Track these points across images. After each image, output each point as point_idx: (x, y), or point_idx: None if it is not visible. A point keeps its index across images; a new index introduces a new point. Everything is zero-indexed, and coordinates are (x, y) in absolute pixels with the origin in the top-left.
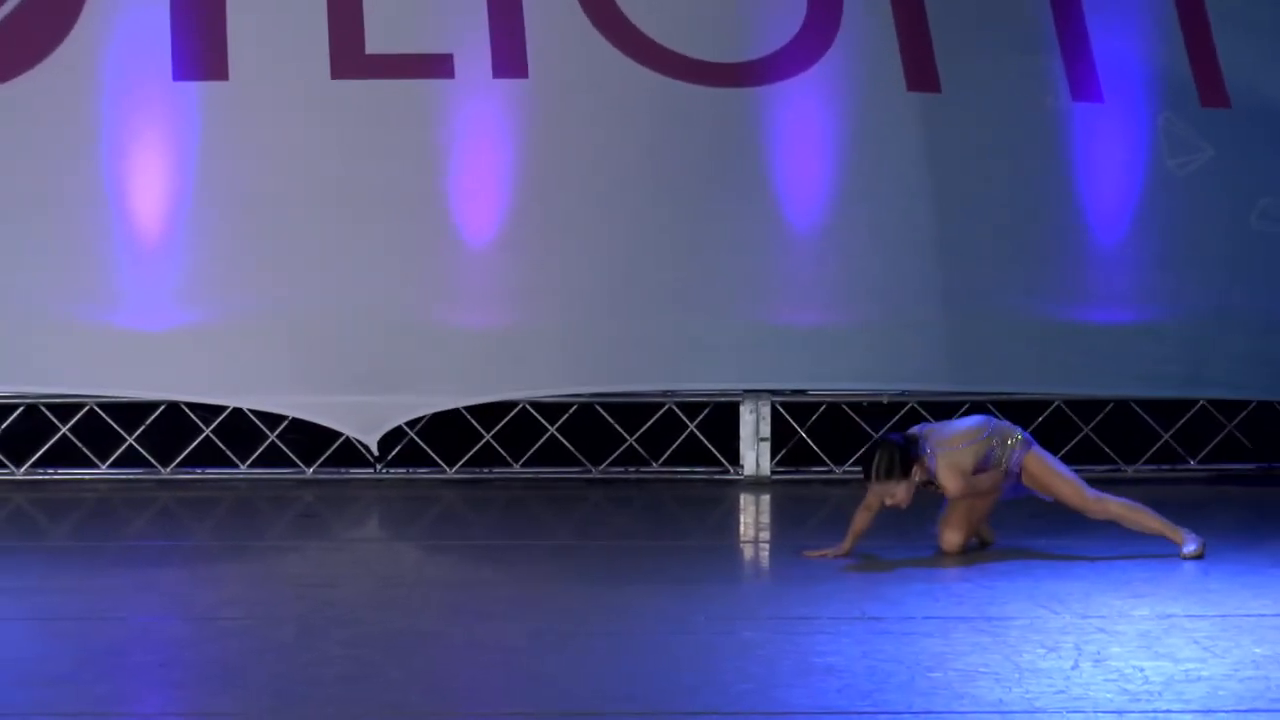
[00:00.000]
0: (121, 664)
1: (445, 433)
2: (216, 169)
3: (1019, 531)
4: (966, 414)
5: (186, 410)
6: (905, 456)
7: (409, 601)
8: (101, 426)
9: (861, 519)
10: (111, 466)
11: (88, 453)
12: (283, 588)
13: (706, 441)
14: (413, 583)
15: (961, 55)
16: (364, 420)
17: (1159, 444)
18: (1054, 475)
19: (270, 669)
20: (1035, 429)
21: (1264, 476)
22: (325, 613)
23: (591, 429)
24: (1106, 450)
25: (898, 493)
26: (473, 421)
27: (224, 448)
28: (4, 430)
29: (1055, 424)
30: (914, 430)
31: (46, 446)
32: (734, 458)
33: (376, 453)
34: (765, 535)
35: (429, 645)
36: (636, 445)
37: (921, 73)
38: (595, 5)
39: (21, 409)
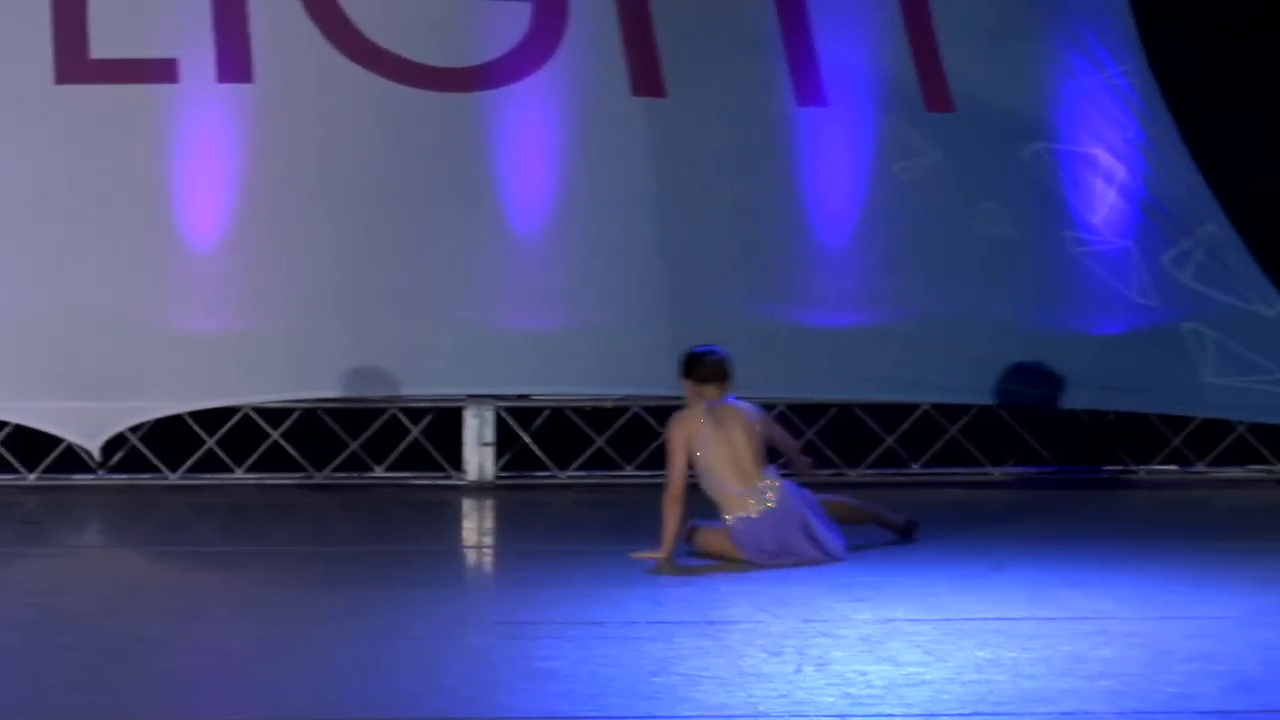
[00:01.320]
0: None
1: (168, 438)
2: None
3: None
4: None
5: None
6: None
7: (132, 608)
8: None
9: (670, 516)
10: None
11: None
12: (6, 595)
13: (430, 447)
14: (136, 589)
15: (687, 60)
16: (86, 425)
17: (882, 448)
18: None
19: None
20: None
21: (985, 481)
22: (50, 620)
23: (315, 434)
24: (829, 455)
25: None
26: (195, 427)
27: None
28: None
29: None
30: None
31: None
32: (458, 463)
33: (99, 458)
34: (489, 540)
35: (153, 652)
36: (360, 451)
37: (647, 77)
38: (320, 10)
39: None
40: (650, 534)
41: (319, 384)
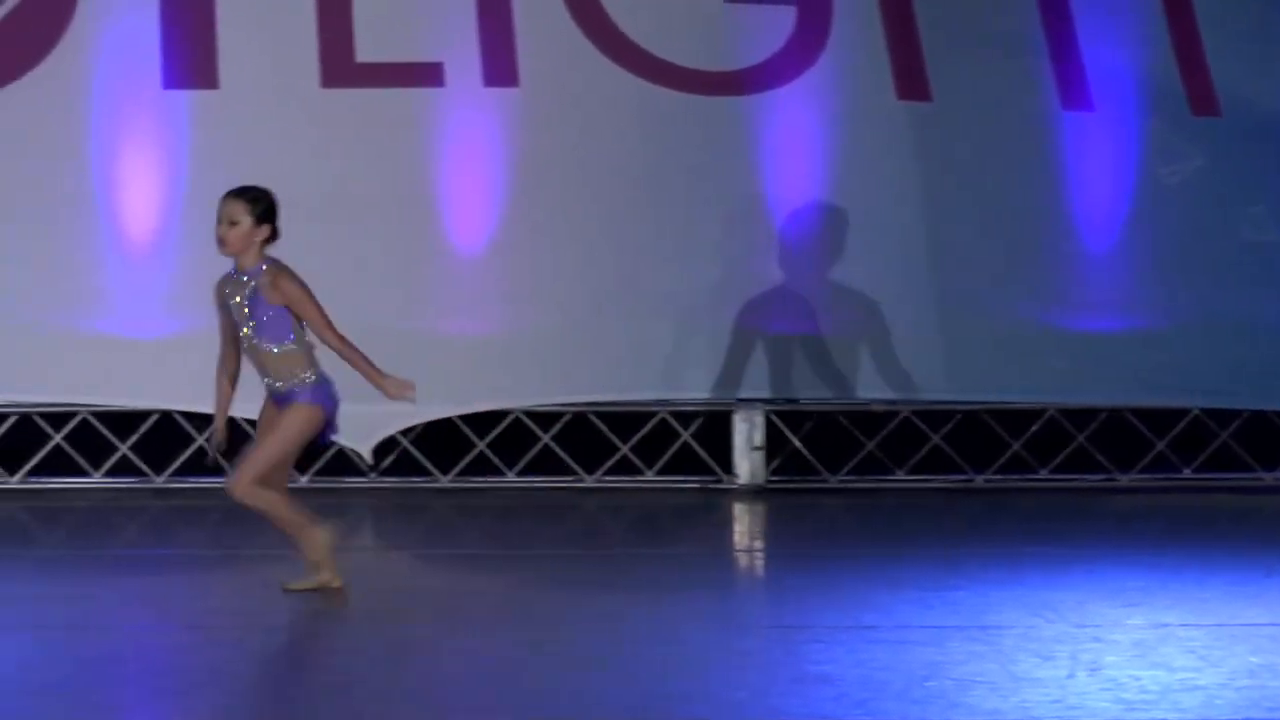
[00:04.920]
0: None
1: (438, 441)
2: (206, 177)
3: (1014, 536)
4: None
5: (179, 419)
6: (272, 209)
7: (399, 611)
8: (95, 435)
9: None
10: (107, 475)
11: (81, 461)
12: (269, 593)
13: (701, 450)
14: (403, 591)
15: (952, 64)
16: (358, 429)
17: (1153, 453)
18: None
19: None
20: (1029, 439)
21: (1257, 486)
22: (321, 622)
23: (585, 437)
24: (1100, 459)
25: (242, 222)
26: (465, 430)
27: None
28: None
29: (1048, 433)
30: None
31: (41, 455)
32: (727, 466)
33: (370, 461)
34: (759, 544)
35: (417, 654)
36: (630, 454)
37: (912, 81)
38: (585, 14)
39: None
40: (907, 541)
41: (588, 388)
